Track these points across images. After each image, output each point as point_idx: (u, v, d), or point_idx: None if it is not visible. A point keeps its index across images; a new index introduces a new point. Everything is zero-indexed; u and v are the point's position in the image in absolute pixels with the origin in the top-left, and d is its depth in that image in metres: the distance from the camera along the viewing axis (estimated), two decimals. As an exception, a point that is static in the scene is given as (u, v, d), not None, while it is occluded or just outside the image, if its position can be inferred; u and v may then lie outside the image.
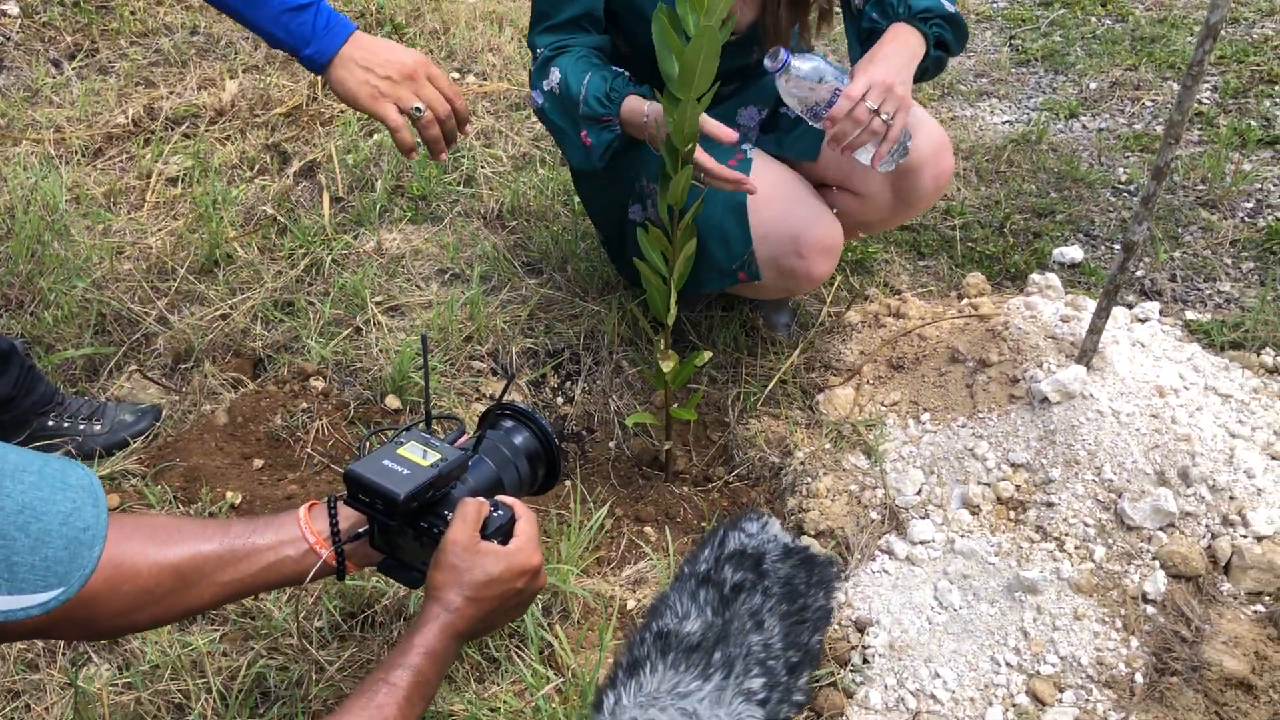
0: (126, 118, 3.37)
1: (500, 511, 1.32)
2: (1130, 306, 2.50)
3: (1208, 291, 2.61)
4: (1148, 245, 2.74)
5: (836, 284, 2.59)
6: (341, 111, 3.30)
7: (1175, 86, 3.50)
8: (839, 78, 1.86)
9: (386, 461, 1.29)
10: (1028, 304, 2.29)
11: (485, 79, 3.49)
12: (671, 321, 1.89)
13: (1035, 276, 2.57)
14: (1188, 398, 2.06)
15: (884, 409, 2.24)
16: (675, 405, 2.06)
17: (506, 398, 1.54)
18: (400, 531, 1.31)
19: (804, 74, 1.85)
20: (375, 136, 3.13)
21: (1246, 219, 2.85)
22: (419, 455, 1.31)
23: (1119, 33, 3.87)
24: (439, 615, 1.23)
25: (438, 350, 2.27)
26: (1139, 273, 2.67)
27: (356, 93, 1.63)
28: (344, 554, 1.31)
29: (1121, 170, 3.09)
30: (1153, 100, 3.44)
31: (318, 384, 2.25)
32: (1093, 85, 3.56)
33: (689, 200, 1.79)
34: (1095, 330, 2.03)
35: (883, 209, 2.16)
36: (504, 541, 1.30)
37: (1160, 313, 2.49)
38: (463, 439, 1.46)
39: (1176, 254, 2.73)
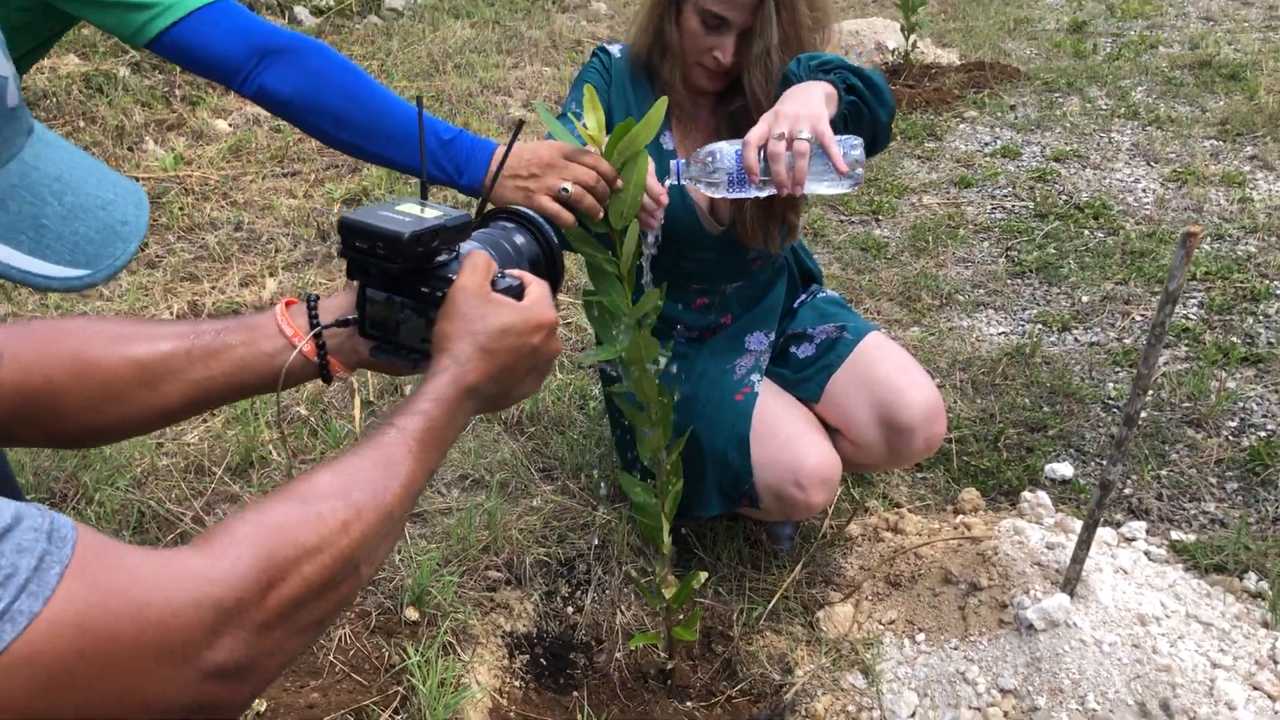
0: (171, 313, 3.59)
1: (507, 279, 1.21)
2: (1117, 526, 2.62)
3: (1193, 511, 2.72)
4: (1134, 463, 2.87)
5: (838, 495, 2.72)
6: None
7: (1163, 301, 3.69)
8: (736, 144, 1.83)
9: (384, 211, 1.17)
10: (1016, 528, 2.41)
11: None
12: (669, 551, 2.02)
13: (1027, 494, 2.70)
14: (1169, 626, 2.16)
15: (882, 627, 2.34)
16: (679, 621, 2.17)
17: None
18: (395, 304, 1.19)
19: (699, 154, 1.86)
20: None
21: (1230, 438, 2.99)
22: (418, 209, 1.20)
23: (1110, 246, 4.09)
24: (449, 366, 1.12)
25: (455, 562, 2.40)
26: (1126, 490, 2.79)
27: (512, 200, 1.73)
28: (325, 347, 1.20)
29: (1111, 385, 3.24)
30: (1142, 315, 3.62)
31: (342, 591, 2.37)
32: (1084, 298, 3.75)
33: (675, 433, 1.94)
34: (1078, 560, 2.14)
35: (876, 458, 2.31)
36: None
37: (1147, 532, 2.60)
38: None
39: (1163, 472, 2.85)
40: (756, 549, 2.54)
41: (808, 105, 1.78)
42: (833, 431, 2.33)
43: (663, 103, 1.65)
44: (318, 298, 1.21)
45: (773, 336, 2.40)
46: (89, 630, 0.75)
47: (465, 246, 1.27)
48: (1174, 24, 6.88)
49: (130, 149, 4.93)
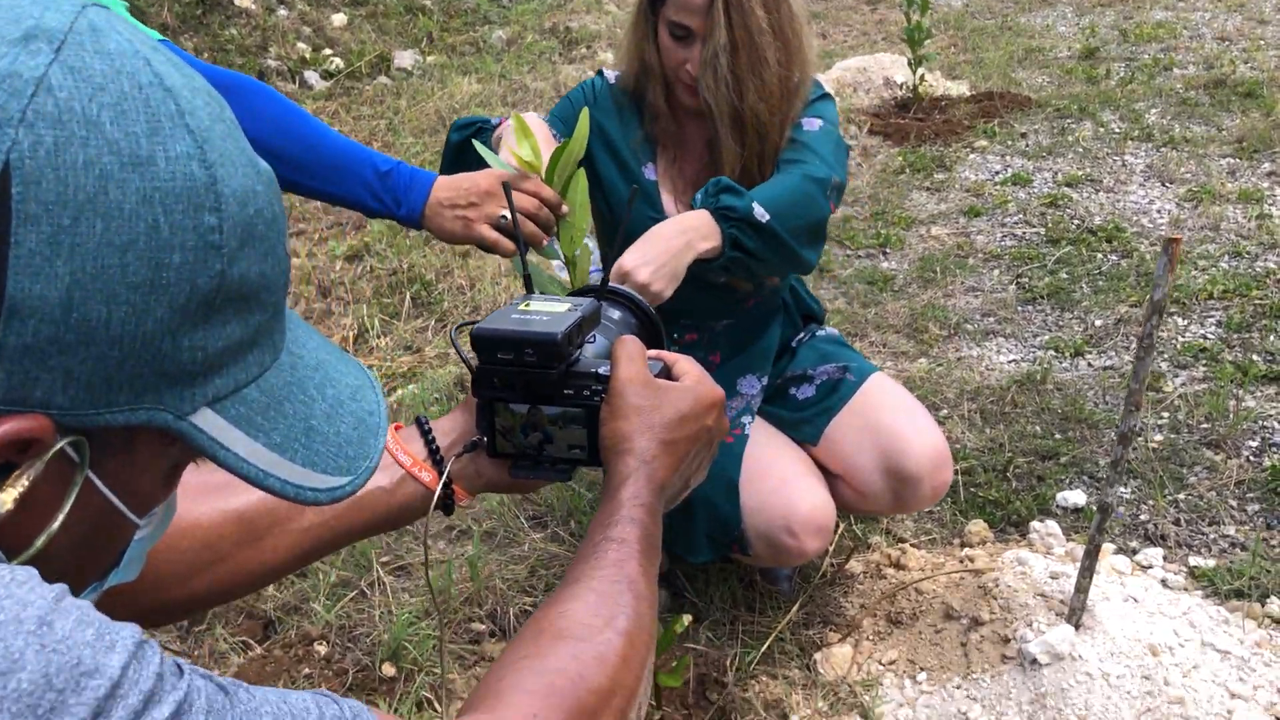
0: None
1: (650, 362, 1.13)
2: (1133, 554, 2.50)
3: (1212, 535, 2.60)
4: (1150, 488, 2.75)
5: (840, 531, 2.62)
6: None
7: (1180, 321, 3.58)
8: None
9: (515, 316, 1.08)
10: (1020, 559, 2.31)
11: (506, 331, 3.67)
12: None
13: (1036, 524, 2.59)
14: (1183, 655, 2.04)
15: (882, 668, 2.23)
16: (663, 670, 2.08)
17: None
18: (541, 416, 1.09)
19: None
20: (396, 393, 3.28)
21: (1251, 459, 2.86)
22: (548, 306, 1.10)
23: (1124, 268, 3.98)
24: (638, 466, 1.02)
25: (435, 615, 2.33)
26: (1142, 516, 2.67)
27: (452, 230, 1.68)
28: (449, 477, 1.10)
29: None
30: (1158, 337, 3.50)
31: (321, 648, 2.30)
32: (1098, 322, 3.64)
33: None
34: (1081, 589, 2.04)
35: (880, 505, 2.22)
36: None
37: (1164, 559, 2.48)
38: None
39: (1180, 496, 2.73)
40: (751, 590, 2.45)
41: (654, 272, 1.77)
42: (833, 476, 2.24)
43: (585, 114, 1.60)
44: (428, 420, 1.12)
45: (765, 381, 2.31)
46: None
47: (595, 335, 1.20)
48: (1188, 45, 6.77)
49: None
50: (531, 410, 1.10)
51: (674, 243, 1.80)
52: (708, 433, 1.09)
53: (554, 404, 1.09)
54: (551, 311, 1.09)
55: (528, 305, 1.11)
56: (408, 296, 3.89)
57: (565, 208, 1.67)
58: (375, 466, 0.75)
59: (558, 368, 1.07)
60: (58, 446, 0.59)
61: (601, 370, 1.09)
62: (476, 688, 0.80)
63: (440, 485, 1.10)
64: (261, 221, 0.65)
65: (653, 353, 1.16)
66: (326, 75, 6.80)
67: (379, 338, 3.66)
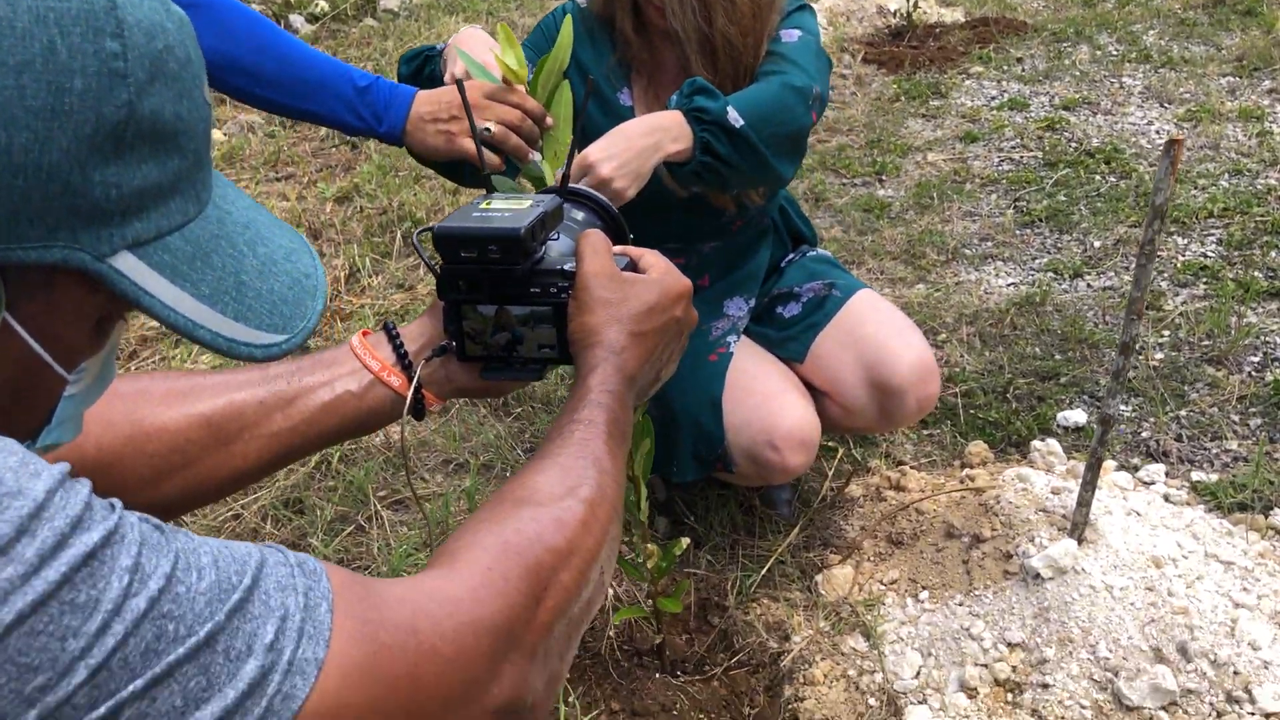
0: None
1: (616, 257, 1.12)
2: (1135, 470, 2.48)
3: (1215, 450, 2.58)
4: (1152, 405, 2.73)
5: (840, 456, 2.61)
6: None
7: (1180, 240, 3.54)
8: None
9: (476, 214, 1.06)
10: (1020, 476, 2.29)
11: (499, 267, 3.63)
12: (645, 518, 1.91)
13: (1036, 443, 2.57)
14: (1186, 567, 2.03)
15: (883, 587, 2.22)
16: (663, 595, 2.06)
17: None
18: (510, 316, 1.09)
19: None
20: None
21: (1253, 374, 2.83)
22: (510, 203, 1.09)
23: (1123, 189, 3.93)
24: (606, 356, 1.01)
25: (433, 547, 2.31)
26: (1144, 434, 2.65)
27: (435, 145, 1.64)
28: (419, 382, 1.10)
29: (1126, 328, 3.10)
30: (1157, 256, 3.46)
31: (320, 582, 2.29)
32: (1096, 243, 3.60)
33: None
34: (1083, 503, 2.02)
35: (866, 422, 2.19)
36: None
37: (1166, 474, 2.47)
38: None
39: (1182, 413, 2.71)
40: (750, 515, 2.43)
41: (618, 168, 1.68)
42: (820, 394, 2.22)
43: (569, 22, 1.55)
44: (395, 325, 1.12)
45: (753, 303, 2.29)
46: (379, 676, 0.64)
47: (558, 234, 1.18)
48: (1187, -34, 6.67)
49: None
50: (499, 311, 1.10)
51: (641, 141, 1.72)
52: (676, 324, 1.09)
53: (521, 303, 1.09)
54: (513, 208, 1.09)
55: (489, 204, 1.10)
56: (398, 235, 3.84)
57: (550, 120, 1.62)
58: (312, 328, 0.75)
59: (523, 264, 1.06)
60: None
61: (567, 266, 1.08)
62: (435, 551, 0.80)
63: (411, 390, 1.10)
64: (173, 59, 0.63)
65: (619, 248, 1.15)
66: (312, 18, 6.69)
67: (371, 277, 3.62)
